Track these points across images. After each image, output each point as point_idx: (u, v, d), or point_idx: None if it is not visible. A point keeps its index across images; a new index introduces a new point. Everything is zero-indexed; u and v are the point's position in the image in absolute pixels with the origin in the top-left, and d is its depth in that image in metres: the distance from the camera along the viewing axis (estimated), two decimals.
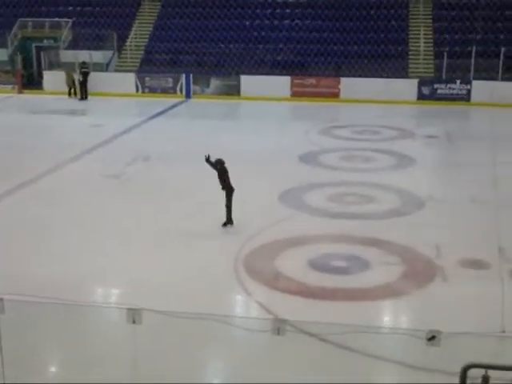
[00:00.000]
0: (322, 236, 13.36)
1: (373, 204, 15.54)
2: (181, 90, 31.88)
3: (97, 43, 33.63)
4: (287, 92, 31.09)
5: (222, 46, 33.29)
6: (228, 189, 13.30)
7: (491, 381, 4.76)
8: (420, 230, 13.78)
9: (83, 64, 31.77)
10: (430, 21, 33.13)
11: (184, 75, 31.80)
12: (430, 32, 32.69)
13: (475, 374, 4.77)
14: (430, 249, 12.57)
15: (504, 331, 8.60)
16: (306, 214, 14.78)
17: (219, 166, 13.27)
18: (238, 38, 33.51)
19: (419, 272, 11.69)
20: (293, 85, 31.16)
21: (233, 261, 11.92)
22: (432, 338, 5.40)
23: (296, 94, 31.04)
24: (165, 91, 31.92)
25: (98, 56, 32.97)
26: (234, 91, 31.45)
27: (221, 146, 18.38)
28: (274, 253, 12.39)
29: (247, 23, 34.36)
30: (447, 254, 12.36)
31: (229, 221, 13.44)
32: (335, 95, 30.75)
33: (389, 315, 10.47)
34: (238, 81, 31.43)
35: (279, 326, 5.54)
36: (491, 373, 4.78)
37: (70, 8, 35.87)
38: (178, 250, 12.53)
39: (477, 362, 4.61)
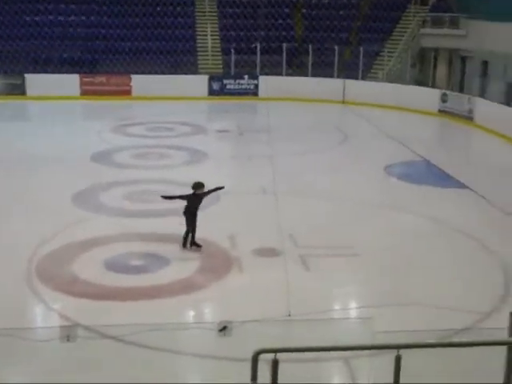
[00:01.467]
0: (119, 236, 13.14)
1: (168, 201, 15.52)
2: None
3: None
4: (76, 91, 30.11)
5: (3, 43, 31.39)
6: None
7: (282, 363, 4.95)
8: (215, 222, 14.03)
9: None
10: (216, 18, 33.90)
11: None
12: (217, 29, 33.45)
13: (267, 358, 4.94)
14: (226, 240, 12.89)
15: (289, 315, 9.04)
16: (100, 215, 14.46)
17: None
18: (22, 35, 31.78)
19: (216, 264, 11.90)
20: (82, 83, 30.26)
21: (24, 268, 11.32)
22: (224, 329, 5.52)
23: (86, 93, 30.20)
24: None
25: None
26: (18, 91, 29.79)
27: (10, 149, 17.40)
28: (69, 257, 11.96)
29: (35, 19, 32.68)
30: (242, 244, 12.74)
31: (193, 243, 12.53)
32: (127, 93, 30.38)
33: (187, 310, 10.52)
34: (23, 80, 29.86)
35: (68, 334, 5.33)
36: (282, 355, 4.97)
37: None
38: None
39: (267, 347, 4.77)
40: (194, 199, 12.45)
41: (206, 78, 31.10)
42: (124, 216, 14.37)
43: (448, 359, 6.55)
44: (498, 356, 5.68)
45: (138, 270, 11.59)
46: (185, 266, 11.71)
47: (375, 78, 31.33)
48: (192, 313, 10.54)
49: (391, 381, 5.19)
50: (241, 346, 5.67)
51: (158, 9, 33.64)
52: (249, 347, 4.85)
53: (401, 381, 5.18)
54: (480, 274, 11.85)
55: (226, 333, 5.48)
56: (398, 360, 5.13)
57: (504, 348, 5.63)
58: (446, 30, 31.34)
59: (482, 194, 16.70)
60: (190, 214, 12.43)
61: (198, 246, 12.46)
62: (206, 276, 11.39)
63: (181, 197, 12.46)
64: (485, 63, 28.09)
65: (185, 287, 10.93)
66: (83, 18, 32.99)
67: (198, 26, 33.46)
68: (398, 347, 5.12)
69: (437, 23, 31.70)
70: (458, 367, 6.92)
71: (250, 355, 4.79)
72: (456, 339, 7.16)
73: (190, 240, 12.47)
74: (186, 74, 30.94)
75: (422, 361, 6.69)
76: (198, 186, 12.55)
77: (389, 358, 5.19)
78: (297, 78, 31.14)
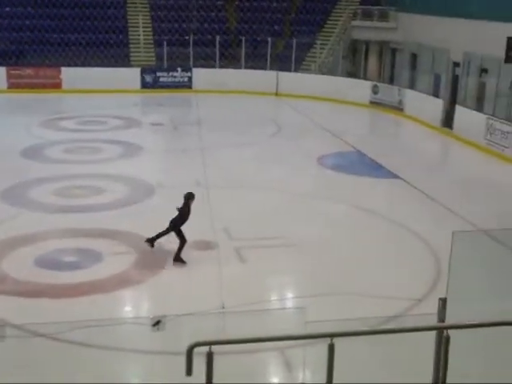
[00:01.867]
0: (50, 232, 12.87)
1: (102, 195, 15.35)
2: None
3: None
4: (3, 84, 29.22)
5: None
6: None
7: (218, 356, 4.96)
8: (150, 216, 13.91)
9: None
10: (148, 9, 33.49)
11: None
12: (149, 21, 33.06)
13: (203, 351, 4.94)
14: None
15: (223, 307, 9.06)
16: (31, 211, 14.13)
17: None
18: None
19: (151, 259, 11.81)
20: (9, 76, 29.40)
21: None
22: (157, 324, 5.48)
23: (13, 86, 29.37)
24: None
25: None
26: None
27: None
28: None
29: None
30: (177, 238, 12.63)
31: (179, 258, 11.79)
32: (57, 86, 29.71)
33: (122, 306, 10.44)
34: None
35: None
36: (217, 348, 4.98)
37: None
38: None
39: (201, 341, 4.77)
40: (188, 211, 11.83)
41: (138, 70, 30.71)
42: (55, 212, 14.09)
43: (381, 346, 6.69)
44: (429, 341, 5.83)
45: (71, 267, 11.39)
46: (119, 261, 11.58)
47: (308, 70, 31.60)
48: (127, 308, 10.44)
49: (325, 369, 5.26)
50: (175, 340, 5.65)
51: (88, 0, 32.97)
52: (183, 341, 4.84)
53: (335, 369, 5.26)
54: (412, 261, 12.14)
55: (160, 327, 5.45)
56: (331, 348, 5.20)
57: (433, 333, 5.79)
58: (376, 23, 31.86)
59: (413, 183, 17.10)
60: (179, 225, 11.73)
61: (183, 261, 11.65)
62: (141, 271, 11.30)
63: (182, 209, 11.75)
64: (414, 55, 28.70)
65: (120, 282, 10.82)
66: (7, 9, 31.97)
67: (129, 17, 32.98)
68: (332, 335, 5.19)
69: (367, 16, 32.20)
70: (389, 353, 7.08)
71: (184, 349, 4.77)
72: (388, 326, 7.32)
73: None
74: (117, 66, 30.47)
75: (356, 349, 6.82)
76: (190, 196, 11.91)
77: (323, 346, 5.26)
78: (230, 70, 31.12)
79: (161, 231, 11.90)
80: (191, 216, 12.07)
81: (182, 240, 11.67)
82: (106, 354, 8.04)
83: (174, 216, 11.75)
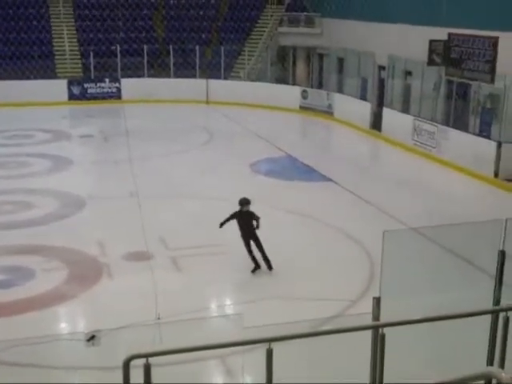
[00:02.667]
0: None
1: (31, 210, 14.97)
2: None
3: None
4: None
5: None
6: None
7: (157, 367, 4.90)
8: (82, 230, 13.68)
9: None
10: (72, 20, 32.94)
11: None
12: (74, 31, 32.52)
13: (139, 364, 4.86)
14: (95, 248, 12.58)
15: (159, 318, 8.97)
16: None
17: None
18: None
19: (85, 273, 11.59)
20: None
21: None
22: (92, 338, 5.37)
23: None
24: None
25: None
26: None
27: None
28: None
29: None
30: (111, 250, 12.48)
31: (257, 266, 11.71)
32: None
33: (56, 322, 10.18)
34: None
35: None
36: (156, 359, 4.92)
37: None
38: None
39: (137, 353, 4.69)
40: (241, 217, 11.60)
41: (64, 82, 30.14)
42: None
43: (318, 348, 6.74)
44: (366, 341, 5.91)
45: (2, 285, 11.05)
46: (52, 276, 11.32)
47: (237, 78, 31.71)
48: (61, 324, 10.20)
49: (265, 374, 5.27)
50: (112, 355, 5.54)
51: (10, 11, 32.21)
52: (120, 355, 4.75)
53: (274, 373, 5.27)
54: (346, 262, 12.29)
55: (95, 342, 5.34)
56: (269, 353, 5.21)
57: (369, 332, 5.87)
58: (302, 29, 32.31)
59: (345, 185, 17.35)
60: (245, 235, 11.60)
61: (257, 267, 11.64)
62: (75, 285, 11.06)
63: (231, 217, 11.67)
64: (341, 60, 29.19)
65: (53, 299, 10.57)
66: None
67: (53, 28, 32.35)
68: (270, 340, 5.20)
69: (293, 22, 32.59)
70: (328, 355, 7.14)
71: (121, 363, 4.69)
72: (324, 328, 7.38)
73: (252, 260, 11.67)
74: (43, 78, 29.82)
75: (294, 352, 6.85)
76: (245, 202, 11.70)
77: (262, 351, 5.26)
78: (159, 80, 30.93)
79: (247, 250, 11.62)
80: (126, 227, 11.90)
81: (248, 247, 11.62)
82: (40, 373, 7.82)
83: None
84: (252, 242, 11.64)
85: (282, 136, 24.05)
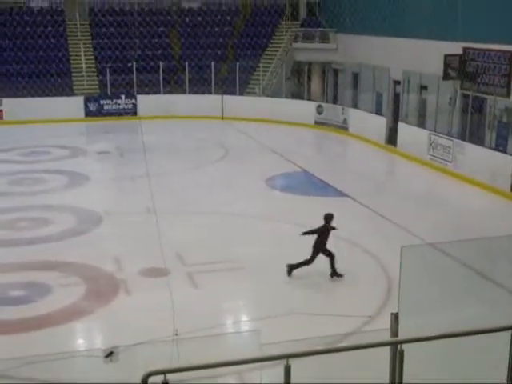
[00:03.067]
0: None
1: (48, 227, 15.06)
2: None
3: None
4: None
5: None
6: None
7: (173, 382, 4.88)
8: (99, 246, 13.74)
9: None
10: (89, 38, 33.28)
11: None
12: (91, 49, 32.84)
13: (157, 380, 4.85)
14: (111, 264, 12.63)
15: (177, 334, 8.96)
16: None
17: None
18: None
19: (102, 289, 11.63)
20: None
21: None
22: (110, 355, 5.37)
23: None
24: None
25: None
26: None
27: None
28: None
29: None
30: (128, 266, 12.52)
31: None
32: None
33: (74, 338, 10.22)
34: None
35: None
36: (173, 376, 4.90)
37: None
38: None
39: (155, 369, 4.68)
40: (325, 231, 12.01)
41: (81, 99, 30.40)
42: (1, 246, 13.75)
43: (337, 365, 6.69)
44: (384, 356, 5.87)
45: (19, 301, 11.11)
46: (69, 292, 11.36)
47: (253, 93, 31.83)
48: (79, 341, 10.23)
49: None
50: (129, 371, 5.54)
51: (28, 30, 32.60)
52: (138, 371, 4.74)
53: None
54: (363, 278, 12.24)
55: (113, 358, 5.34)
56: (287, 370, 5.18)
57: (387, 348, 5.83)
58: (316, 45, 32.40)
59: (361, 200, 17.31)
60: (317, 248, 11.98)
61: (340, 275, 12.07)
62: (92, 301, 11.10)
63: (314, 231, 12.06)
64: (355, 75, 29.22)
65: (70, 314, 10.61)
66: None
67: (70, 46, 32.69)
68: (287, 356, 5.17)
69: (308, 38, 32.71)
70: (346, 372, 7.09)
71: (139, 379, 4.68)
72: (342, 344, 7.34)
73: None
74: (60, 96, 30.12)
75: (312, 368, 6.81)
76: (331, 217, 12.09)
77: (279, 368, 5.24)
78: (175, 96, 31.10)
79: (305, 259, 11.93)
80: (143, 243, 11.90)
81: (331, 256, 11.95)
82: None
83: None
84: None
85: (297, 151, 24.07)
